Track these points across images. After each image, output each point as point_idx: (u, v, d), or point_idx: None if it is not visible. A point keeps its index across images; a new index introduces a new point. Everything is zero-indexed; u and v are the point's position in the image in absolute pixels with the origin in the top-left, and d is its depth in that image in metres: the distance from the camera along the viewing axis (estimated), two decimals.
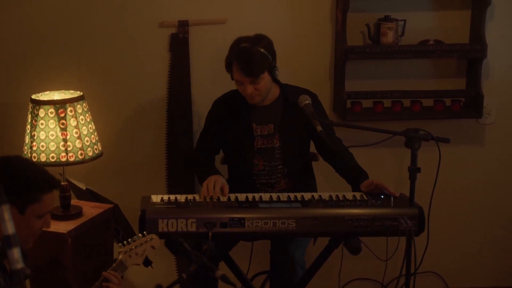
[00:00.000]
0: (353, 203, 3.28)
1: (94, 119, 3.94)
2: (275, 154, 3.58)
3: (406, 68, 4.19)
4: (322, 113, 3.60)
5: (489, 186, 4.42)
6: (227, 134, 3.61)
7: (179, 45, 4.04)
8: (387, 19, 4.00)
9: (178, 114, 4.13)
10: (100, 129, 4.00)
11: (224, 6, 4.02)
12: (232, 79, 3.49)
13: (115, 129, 4.14)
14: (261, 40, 3.41)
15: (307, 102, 3.36)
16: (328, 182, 3.96)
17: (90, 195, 3.44)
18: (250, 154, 3.57)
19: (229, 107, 3.59)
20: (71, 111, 3.09)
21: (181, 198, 3.32)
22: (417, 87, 4.16)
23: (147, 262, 3.35)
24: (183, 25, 4.00)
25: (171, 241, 2.35)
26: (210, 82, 4.10)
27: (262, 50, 3.37)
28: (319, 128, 3.23)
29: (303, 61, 4.13)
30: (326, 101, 4.16)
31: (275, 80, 3.51)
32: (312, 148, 3.73)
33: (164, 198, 3.30)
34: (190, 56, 4.06)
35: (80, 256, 3.34)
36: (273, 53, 3.43)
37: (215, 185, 3.35)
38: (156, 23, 4.01)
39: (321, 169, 3.86)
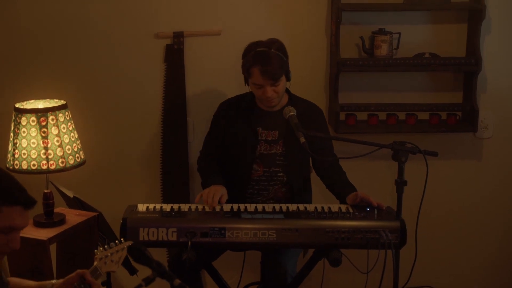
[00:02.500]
0: (336, 215, 3.28)
1: (89, 129, 4.02)
2: (276, 160, 3.59)
3: (402, 81, 4.17)
4: (323, 127, 3.64)
5: (487, 201, 4.38)
6: (232, 136, 3.63)
7: (174, 56, 4.07)
8: (381, 32, 3.99)
9: (173, 125, 4.15)
10: (95, 139, 4.09)
11: (219, 18, 4.05)
12: (247, 84, 3.53)
13: (110, 139, 4.19)
14: (275, 43, 3.47)
15: (291, 113, 3.37)
16: (323, 196, 3.95)
17: (78, 203, 3.47)
18: (251, 158, 3.58)
19: (236, 109, 3.63)
20: (52, 119, 3.13)
21: (167, 207, 3.34)
22: (414, 100, 4.14)
23: (132, 271, 3.37)
24: (178, 36, 4.03)
25: (133, 248, 2.36)
26: (205, 93, 4.12)
27: (278, 52, 3.43)
28: (302, 139, 3.24)
29: (298, 73, 4.08)
30: None
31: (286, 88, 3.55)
32: None
33: (149, 207, 3.33)
34: (185, 67, 4.09)
35: (63, 263, 3.38)
36: (286, 55, 3.51)
37: (214, 195, 3.37)
38: (151, 34, 4.05)
39: (317, 182, 3.85)
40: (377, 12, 4.05)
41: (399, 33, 4.04)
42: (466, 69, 4.04)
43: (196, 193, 4.21)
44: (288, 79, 3.51)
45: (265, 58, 3.39)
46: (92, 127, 4.12)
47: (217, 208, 3.35)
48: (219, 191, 3.41)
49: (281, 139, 3.58)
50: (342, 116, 4.10)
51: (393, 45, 4.03)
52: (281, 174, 3.60)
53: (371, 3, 4.00)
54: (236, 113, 3.62)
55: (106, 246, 2.88)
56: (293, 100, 3.62)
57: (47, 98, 3.32)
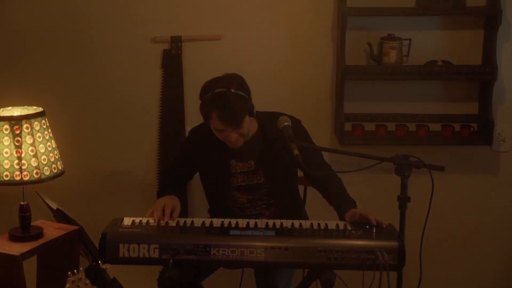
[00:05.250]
0: (330, 233, 3.05)
1: (83, 137, 3.86)
2: (262, 189, 3.39)
3: (413, 90, 3.96)
4: (305, 140, 3.38)
5: (503, 219, 4.14)
6: (205, 168, 3.44)
7: (172, 61, 3.91)
8: (390, 37, 3.78)
9: (171, 132, 4.00)
10: (90, 147, 3.97)
11: (219, 22, 3.88)
12: (208, 124, 3.26)
13: (107, 148, 4.06)
14: (235, 80, 3.17)
15: (286, 124, 3.15)
16: (326, 207, 3.75)
17: (61, 216, 3.31)
18: (227, 191, 3.39)
19: (207, 140, 3.35)
20: (27, 128, 2.95)
21: (154, 221, 3.16)
22: (425, 110, 3.94)
23: None
24: (176, 41, 3.87)
25: (91, 268, 2.18)
26: None
27: (239, 92, 3.14)
28: (296, 151, 3.02)
29: (303, 81, 3.94)
30: (327, 123, 3.97)
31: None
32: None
33: (135, 221, 3.15)
34: (183, 73, 3.93)
35: (44, 278, 3.22)
36: (248, 91, 3.21)
37: (165, 209, 3.17)
38: (148, 39, 3.90)
39: (316, 194, 3.64)
40: (386, 17, 3.83)
41: (410, 39, 3.83)
42: (481, 78, 3.81)
43: (195, 206, 4.06)
44: (251, 115, 3.23)
45: (224, 101, 3.08)
46: (85, 136, 4.01)
47: (170, 223, 3.14)
48: (169, 204, 3.20)
49: (259, 168, 3.36)
50: (348, 127, 3.89)
51: (403, 52, 3.82)
52: (266, 198, 3.41)
53: (380, 7, 3.80)
54: (207, 145, 3.36)
55: (81, 269, 2.72)
56: (264, 124, 3.35)
57: (27, 105, 3.15)
